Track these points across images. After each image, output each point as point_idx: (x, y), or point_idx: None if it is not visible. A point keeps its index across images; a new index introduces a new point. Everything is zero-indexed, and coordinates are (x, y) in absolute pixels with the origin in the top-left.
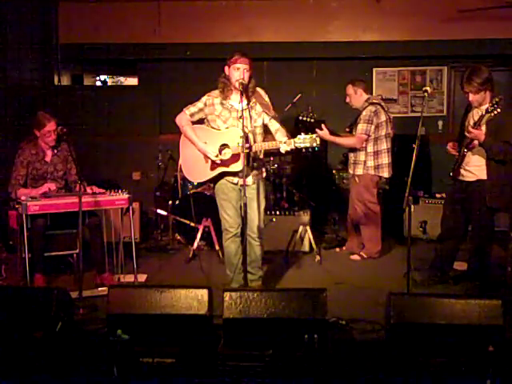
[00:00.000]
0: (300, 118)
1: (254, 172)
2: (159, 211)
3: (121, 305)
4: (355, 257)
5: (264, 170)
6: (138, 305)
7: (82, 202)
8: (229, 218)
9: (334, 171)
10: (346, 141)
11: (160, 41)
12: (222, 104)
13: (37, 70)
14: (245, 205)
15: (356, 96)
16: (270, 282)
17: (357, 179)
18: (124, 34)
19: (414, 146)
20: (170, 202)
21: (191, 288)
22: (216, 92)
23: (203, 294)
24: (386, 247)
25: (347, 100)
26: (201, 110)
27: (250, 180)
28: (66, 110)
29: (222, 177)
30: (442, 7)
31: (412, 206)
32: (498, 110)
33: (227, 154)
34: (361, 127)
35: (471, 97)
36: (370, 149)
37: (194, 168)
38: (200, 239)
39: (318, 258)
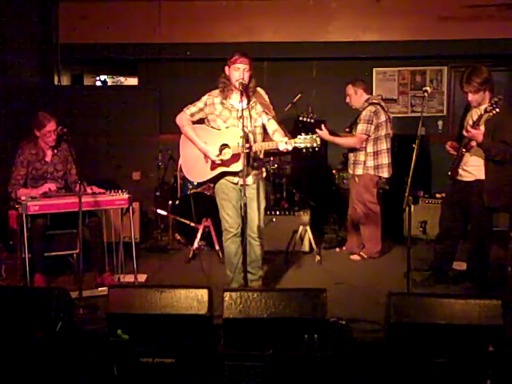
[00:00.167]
0: (300, 118)
1: (254, 172)
2: (159, 211)
3: (121, 305)
4: (355, 257)
5: (264, 169)
6: (138, 305)
7: (82, 201)
8: (229, 217)
9: (334, 171)
10: (345, 141)
11: (160, 41)
12: (222, 104)
13: (37, 70)
14: (245, 205)
15: (356, 96)
16: (269, 282)
17: (356, 179)
18: (124, 34)
19: (414, 145)
20: (170, 202)
21: (191, 288)
22: (216, 92)
23: (203, 294)
24: (386, 247)
25: (347, 100)
26: (201, 109)
27: (250, 180)
28: (66, 110)
29: (222, 177)
30: (442, 7)
31: (412, 206)
32: (497, 109)
33: (227, 154)
34: (361, 127)
35: (470, 96)
36: (369, 149)
37: (194, 168)
38: (200, 239)
39: (317, 258)
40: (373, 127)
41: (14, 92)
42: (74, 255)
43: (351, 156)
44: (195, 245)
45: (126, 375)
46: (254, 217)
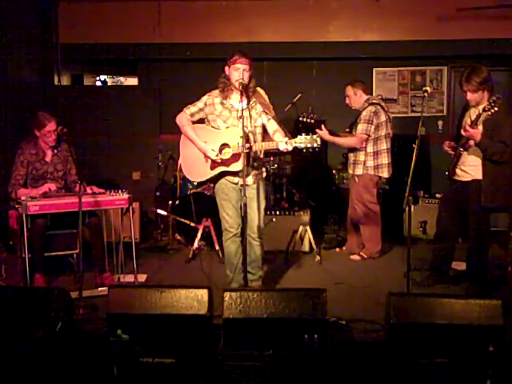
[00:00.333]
0: (300, 118)
1: (254, 172)
2: (159, 211)
3: (121, 305)
4: (355, 257)
5: (264, 169)
6: (138, 305)
7: (82, 201)
8: (229, 217)
9: (334, 171)
10: (345, 141)
11: (160, 41)
12: (222, 104)
13: (37, 70)
14: (245, 205)
15: (355, 97)
16: (269, 282)
17: (356, 179)
18: (124, 33)
19: (414, 145)
20: (170, 202)
21: (191, 288)
22: (216, 92)
23: (203, 294)
24: (385, 247)
25: (347, 101)
26: (201, 109)
27: (250, 180)
28: (66, 110)
29: (222, 176)
30: (442, 7)
31: (412, 206)
32: (496, 108)
33: (227, 154)
34: (361, 127)
35: (469, 95)
36: (369, 149)
37: (194, 168)
38: (200, 239)
39: (317, 258)
40: (373, 127)
41: (14, 92)
42: (74, 255)
43: (351, 156)
44: (195, 245)
45: (125, 375)
46: (254, 217)
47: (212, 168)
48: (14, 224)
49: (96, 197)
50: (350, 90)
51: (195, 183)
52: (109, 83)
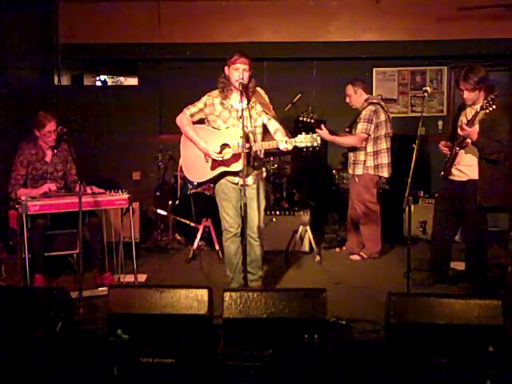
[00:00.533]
0: (300, 118)
1: (255, 172)
2: (159, 211)
3: (121, 305)
4: (355, 257)
5: (264, 169)
6: (138, 305)
7: (82, 201)
8: (229, 217)
9: (334, 171)
10: (345, 140)
11: (160, 41)
12: (222, 104)
13: (37, 70)
14: (245, 205)
15: (356, 96)
16: (269, 282)
17: (356, 179)
18: (124, 33)
19: (414, 145)
20: (170, 202)
21: (191, 288)
22: (216, 92)
23: (203, 294)
24: (385, 247)
25: (347, 100)
26: (201, 110)
27: (250, 180)
28: (66, 110)
29: (223, 177)
30: (442, 7)
31: (412, 206)
32: (494, 106)
33: (228, 154)
34: (361, 126)
35: (466, 94)
36: (369, 149)
37: (195, 168)
38: (200, 239)
39: (317, 258)
40: (373, 126)
41: (14, 92)
42: (74, 255)
43: (351, 156)
44: (195, 245)
45: (126, 375)
46: (254, 217)
47: (212, 168)
48: (14, 224)
49: (96, 197)
50: (350, 89)
51: (195, 183)
52: (109, 83)
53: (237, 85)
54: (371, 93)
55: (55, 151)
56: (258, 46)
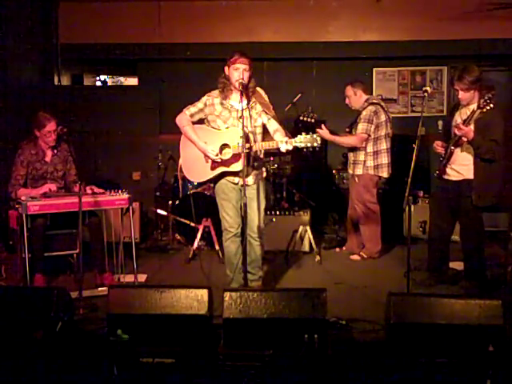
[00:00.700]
0: (301, 117)
1: (255, 172)
2: (159, 211)
3: (121, 305)
4: (355, 257)
5: (264, 169)
6: (138, 305)
7: (82, 201)
8: (229, 217)
9: (334, 171)
10: (346, 140)
11: (160, 41)
12: (222, 104)
13: (37, 70)
14: (245, 205)
15: (355, 97)
16: (269, 282)
17: (356, 179)
18: (124, 33)
19: (414, 145)
20: (170, 202)
21: (191, 288)
22: (216, 92)
23: (203, 294)
24: (385, 247)
25: (346, 101)
26: (201, 110)
27: (250, 180)
28: (66, 110)
29: (223, 177)
30: (442, 7)
31: (412, 206)
32: (491, 105)
33: (227, 154)
34: (361, 126)
35: (461, 94)
36: (369, 149)
37: (194, 168)
38: (200, 239)
39: (317, 258)
40: (373, 127)
41: (14, 92)
42: (74, 255)
43: (351, 156)
44: (195, 245)
45: (125, 375)
46: (254, 217)
47: (212, 168)
48: (14, 224)
49: (96, 197)
50: (349, 90)
51: (195, 183)
52: (109, 83)
53: (237, 85)
54: (371, 93)
55: (55, 151)
56: (258, 45)
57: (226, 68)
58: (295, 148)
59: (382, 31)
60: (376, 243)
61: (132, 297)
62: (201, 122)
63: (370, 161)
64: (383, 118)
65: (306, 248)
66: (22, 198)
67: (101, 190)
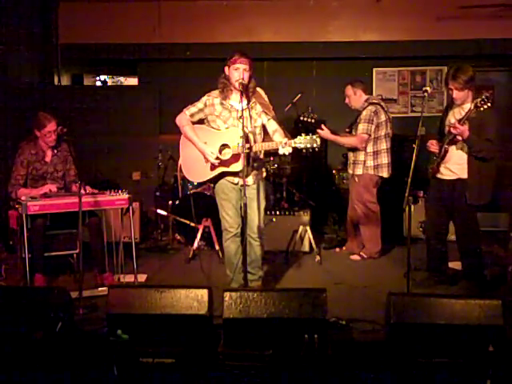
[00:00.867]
0: (301, 118)
1: (254, 172)
2: (159, 211)
3: (121, 305)
4: (355, 257)
5: (264, 169)
6: (138, 305)
7: (82, 201)
8: (229, 217)
9: (334, 171)
10: (347, 140)
11: (160, 41)
12: (221, 104)
13: (37, 70)
14: (245, 205)
15: (355, 97)
16: (269, 282)
17: (356, 179)
18: (124, 34)
19: (414, 146)
20: (170, 202)
21: (191, 288)
22: (216, 92)
23: (203, 294)
24: (386, 247)
25: (346, 101)
26: (201, 110)
27: (250, 180)
28: (66, 110)
29: (222, 177)
30: (442, 7)
31: (412, 206)
32: (489, 104)
33: (227, 154)
34: (362, 127)
35: (455, 94)
36: (369, 149)
37: (194, 168)
38: (200, 239)
39: (317, 258)
40: (373, 127)
41: (14, 92)
42: (74, 255)
43: (351, 156)
44: (195, 245)
45: (125, 375)
46: (254, 217)
47: (212, 168)
48: (14, 224)
49: (96, 197)
50: (349, 90)
51: (195, 183)
52: (109, 83)
53: (237, 85)
54: (371, 93)
55: (55, 151)
56: (258, 45)
57: (226, 68)
58: (295, 149)
59: (382, 31)
60: (376, 243)
61: (132, 297)
62: (201, 122)
63: (369, 161)
64: (383, 117)
65: (306, 248)
66: (22, 198)
67: (95, 191)
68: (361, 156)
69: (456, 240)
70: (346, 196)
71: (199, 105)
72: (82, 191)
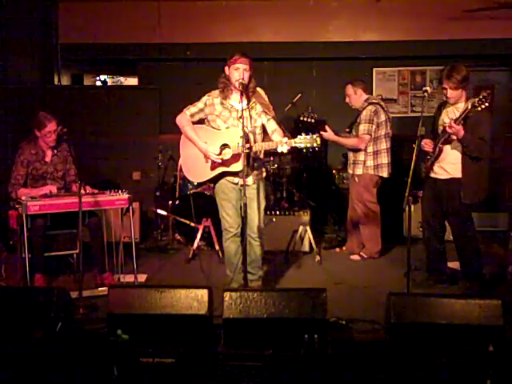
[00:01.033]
0: (301, 118)
1: (254, 172)
2: (159, 211)
3: (121, 305)
4: (355, 257)
5: (264, 169)
6: (138, 305)
7: (82, 201)
8: (229, 217)
9: (334, 171)
10: (349, 141)
11: (160, 41)
12: (222, 104)
13: (37, 70)
14: (245, 205)
15: (355, 96)
16: (269, 282)
17: (356, 179)
18: (124, 34)
19: (414, 146)
20: (170, 202)
21: (191, 288)
22: (216, 92)
23: (203, 294)
24: (385, 247)
25: (347, 100)
26: (201, 110)
27: (250, 180)
28: (66, 110)
29: (222, 177)
30: (442, 7)
31: (412, 206)
32: (486, 104)
33: (227, 154)
34: (362, 127)
35: (450, 93)
36: (369, 149)
37: (194, 168)
38: (200, 239)
39: (317, 258)
40: (374, 127)
41: (14, 92)
42: (74, 255)
43: (351, 156)
44: (195, 245)
45: (125, 375)
46: (254, 217)
47: (212, 168)
48: (14, 224)
49: (96, 197)
50: (350, 89)
51: (195, 183)
52: (109, 83)
53: (237, 85)
54: (371, 93)
55: (55, 151)
56: (258, 45)
57: (226, 68)
58: (295, 148)
59: (382, 31)
60: (376, 243)
61: (132, 297)
62: (201, 121)
63: (369, 161)
64: (383, 117)
65: (306, 248)
66: (22, 198)
67: (95, 190)
68: (361, 156)
69: (453, 240)
70: (346, 196)
71: (199, 105)
72: (82, 191)
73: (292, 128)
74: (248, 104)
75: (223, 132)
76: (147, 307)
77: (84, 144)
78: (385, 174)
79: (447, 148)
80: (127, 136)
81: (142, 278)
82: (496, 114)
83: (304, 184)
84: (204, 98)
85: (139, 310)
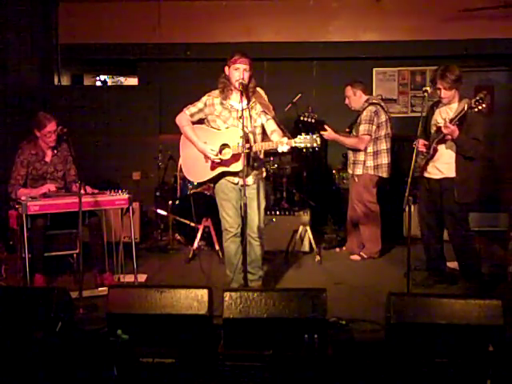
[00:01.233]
0: (301, 118)
1: (254, 172)
2: (159, 211)
3: (121, 305)
4: (355, 257)
5: (264, 169)
6: (138, 305)
7: (82, 201)
8: (229, 217)
9: (333, 171)
10: (350, 141)
11: (160, 41)
12: (222, 104)
13: (37, 70)
14: (245, 205)
15: (355, 97)
16: (269, 282)
17: (356, 179)
18: (124, 34)
19: (414, 145)
20: (170, 202)
21: (191, 288)
22: (216, 92)
23: (203, 294)
24: (385, 247)
25: (346, 102)
26: (201, 110)
27: (250, 180)
28: (66, 110)
29: (222, 177)
30: (442, 7)
31: (412, 206)
32: (483, 105)
33: (227, 154)
34: (363, 128)
35: (443, 93)
36: (369, 149)
37: (194, 168)
38: (200, 239)
39: (317, 258)
40: (374, 127)
41: (14, 92)
42: (74, 255)
43: (351, 156)
44: (195, 245)
45: (125, 375)
46: (254, 217)
47: (212, 168)
48: (14, 224)
49: (96, 197)
50: (349, 91)
51: (195, 183)
52: (109, 83)
53: (237, 85)
54: (371, 93)
55: (55, 151)
56: (258, 45)
57: (226, 68)
58: (295, 148)
59: (382, 31)
60: (376, 243)
61: (132, 297)
62: (201, 121)
63: (369, 161)
64: (383, 117)
65: (306, 248)
66: (22, 197)
67: (95, 190)
68: (361, 156)
69: (449, 240)
70: (345, 196)
71: (199, 105)
72: (82, 191)
73: (292, 128)
74: (248, 104)
75: (223, 132)
76: (147, 307)
77: (84, 144)
78: (385, 175)
79: (441, 148)
80: (127, 136)
81: (141, 278)
82: (496, 113)
83: (304, 184)
84: (204, 98)
85: (139, 310)
